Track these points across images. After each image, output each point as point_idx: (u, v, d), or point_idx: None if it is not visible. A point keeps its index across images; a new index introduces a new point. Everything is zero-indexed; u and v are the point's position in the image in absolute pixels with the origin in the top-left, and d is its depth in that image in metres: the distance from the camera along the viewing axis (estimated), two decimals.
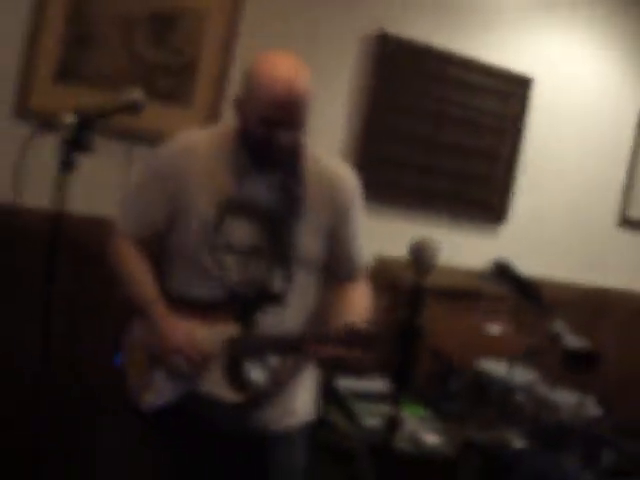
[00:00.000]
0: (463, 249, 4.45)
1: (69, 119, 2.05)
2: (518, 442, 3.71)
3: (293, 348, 2.49)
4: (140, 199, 2.58)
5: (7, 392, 3.48)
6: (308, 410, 2.73)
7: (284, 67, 2.37)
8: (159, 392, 2.51)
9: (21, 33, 3.39)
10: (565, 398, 4.04)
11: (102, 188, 3.43)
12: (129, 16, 3.54)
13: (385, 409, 3.71)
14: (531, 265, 4.10)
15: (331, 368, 2.57)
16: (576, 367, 3.67)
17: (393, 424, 2.44)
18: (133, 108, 2.20)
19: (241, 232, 2.49)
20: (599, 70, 4.86)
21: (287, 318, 2.53)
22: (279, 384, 2.56)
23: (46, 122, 2.09)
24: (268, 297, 2.51)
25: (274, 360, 2.53)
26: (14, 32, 3.38)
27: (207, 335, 2.47)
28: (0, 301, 3.46)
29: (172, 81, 3.68)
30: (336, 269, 2.68)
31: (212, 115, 3.75)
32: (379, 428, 3.61)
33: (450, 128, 4.36)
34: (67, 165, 2.07)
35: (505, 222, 4.65)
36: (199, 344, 2.45)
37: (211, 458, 2.61)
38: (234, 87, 3.64)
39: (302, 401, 2.70)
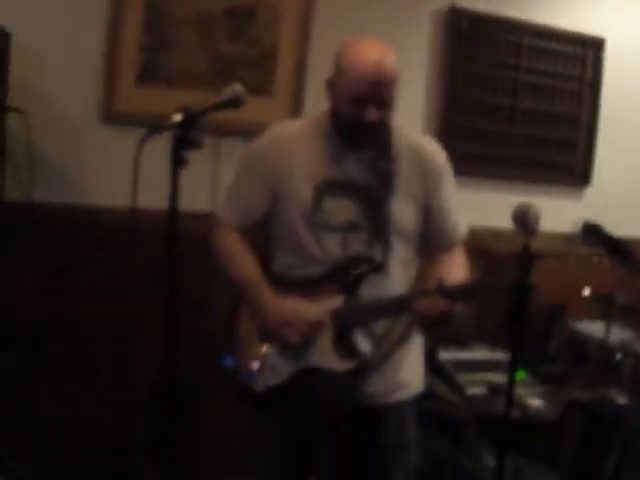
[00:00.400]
0: (549, 214, 4.44)
1: (177, 118, 2.13)
2: (620, 399, 3.73)
3: (397, 308, 2.56)
4: (241, 190, 2.70)
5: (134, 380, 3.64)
6: (416, 383, 2.79)
7: (373, 48, 2.48)
8: (273, 371, 2.59)
9: (102, 41, 3.52)
10: None
11: (193, 182, 3.54)
12: (204, 14, 3.63)
13: (487, 377, 3.81)
14: (617, 227, 4.10)
15: (435, 328, 2.60)
16: None
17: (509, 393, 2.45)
18: (235, 103, 2.27)
19: (339, 210, 2.58)
20: None
21: (389, 287, 2.60)
22: (386, 351, 2.64)
23: (155, 124, 2.16)
24: (370, 267, 2.57)
25: (380, 327, 2.61)
26: (95, 40, 3.52)
27: (312, 309, 2.55)
28: (124, 300, 3.58)
29: (252, 73, 3.76)
30: (432, 240, 2.73)
31: (294, 103, 3.83)
32: (483, 396, 3.70)
33: (528, 96, 4.39)
34: (179, 162, 2.14)
35: (589, 185, 4.66)
36: (305, 316, 2.54)
37: (322, 431, 2.72)
38: (313, 74, 3.76)
39: (410, 373, 2.75)
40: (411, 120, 3.98)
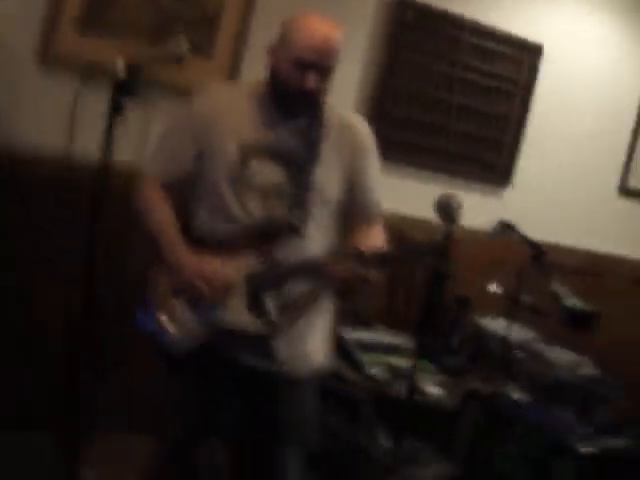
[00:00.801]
0: (469, 210, 4.54)
1: (119, 65, 2.11)
2: (515, 394, 3.85)
3: (313, 271, 2.62)
4: (168, 144, 2.75)
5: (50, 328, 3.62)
6: (320, 356, 2.84)
7: (322, 22, 2.62)
8: (183, 325, 2.62)
9: None
10: (562, 356, 4.18)
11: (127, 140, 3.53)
12: None
13: (389, 359, 3.88)
14: (533, 228, 4.19)
15: (349, 294, 2.65)
16: (575, 326, 3.80)
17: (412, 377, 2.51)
18: (178, 57, 2.27)
19: (263, 173, 2.65)
20: (605, 39, 4.94)
21: (306, 252, 2.66)
22: (293, 318, 2.68)
23: (94, 69, 2.15)
24: (286, 229, 2.63)
25: (291, 293, 2.65)
26: None
27: (228, 267, 2.59)
28: (48, 240, 3.57)
29: (194, 32, 3.72)
30: (354, 213, 2.82)
31: (232, 67, 3.81)
32: (383, 378, 3.76)
33: (463, 91, 4.46)
34: (117, 109, 2.13)
35: (510, 185, 4.76)
36: (220, 272, 2.58)
37: (227, 394, 2.77)
38: (254, 42, 3.76)
39: (314, 345, 2.80)
40: (344, 102, 3.97)
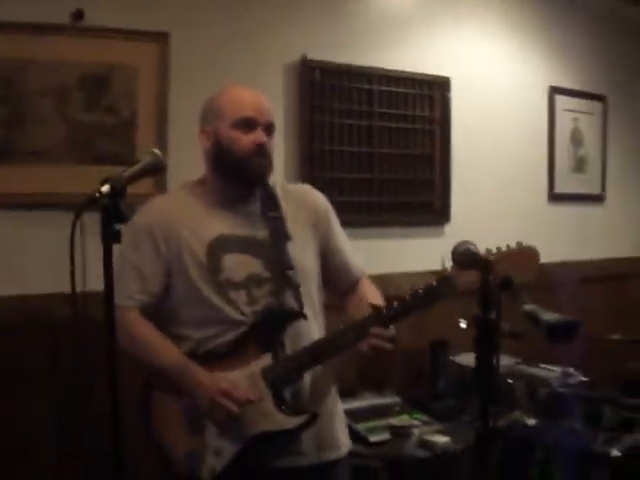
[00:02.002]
0: (414, 254, 4.56)
1: (105, 188, 1.99)
2: (529, 420, 3.82)
3: (336, 350, 2.49)
4: (134, 266, 2.57)
5: None
6: (346, 439, 2.76)
7: (247, 88, 2.64)
8: (219, 452, 2.48)
9: None
10: (549, 372, 4.19)
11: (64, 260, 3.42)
12: (59, 84, 3.48)
13: (385, 422, 3.80)
14: None
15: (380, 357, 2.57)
16: (560, 339, 3.81)
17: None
18: (158, 167, 2.17)
19: (237, 265, 2.55)
20: (508, 61, 5.12)
21: (309, 332, 2.59)
22: (319, 400, 2.60)
23: (87, 199, 2.01)
24: (288, 316, 2.55)
25: (307, 378, 2.56)
26: None
27: (243, 376, 2.48)
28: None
29: (112, 142, 3.62)
30: (340, 277, 2.78)
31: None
32: (387, 441, 3.68)
33: (384, 140, 4.46)
34: (112, 237, 2.00)
35: (448, 222, 4.77)
36: (240, 386, 2.45)
37: None
38: (174, 139, 3.68)
39: (340, 429, 2.72)
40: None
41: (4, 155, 3.40)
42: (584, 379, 4.23)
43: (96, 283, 3.35)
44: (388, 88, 4.45)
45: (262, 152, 2.54)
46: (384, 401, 4.07)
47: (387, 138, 4.47)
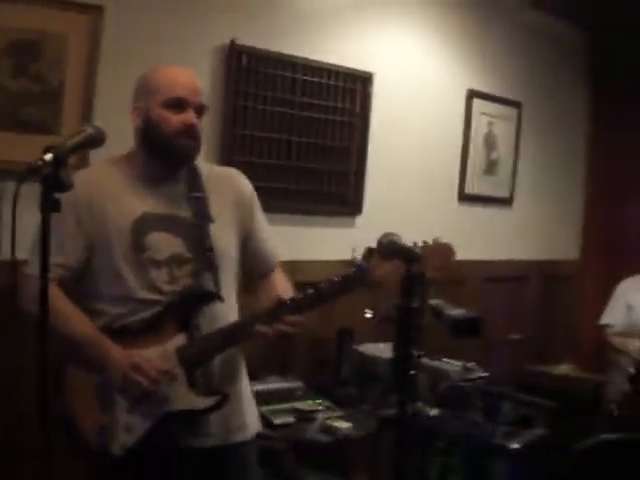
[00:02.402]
0: (324, 243, 4.64)
1: (47, 157, 1.99)
2: (432, 411, 3.93)
3: (247, 333, 2.53)
4: (55, 238, 2.34)
5: None
6: (255, 421, 2.79)
7: (180, 68, 2.64)
8: (130, 429, 2.47)
9: None
10: (451, 366, 4.31)
11: None
12: None
13: (290, 405, 3.87)
14: None
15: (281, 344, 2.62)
16: (464, 334, 3.93)
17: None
18: (99, 140, 2.17)
19: (161, 245, 2.55)
20: (429, 62, 5.23)
21: (224, 314, 2.61)
22: (229, 382, 2.63)
23: (28, 168, 2.00)
24: (204, 297, 2.57)
25: (218, 360, 2.58)
26: None
27: (158, 353, 2.48)
28: None
29: (38, 110, 3.56)
30: (255, 263, 2.81)
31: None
32: (292, 424, 3.76)
33: (303, 130, 4.51)
34: (52, 205, 2.00)
35: (360, 214, 4.87)
36: (153, 362, 2.45)
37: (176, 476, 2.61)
38: (100, 112, 3.67)
39: (249, 411, 2.75)
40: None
41: None
42: (484, 374, 4.37)
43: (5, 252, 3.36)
44: (312, 78, 4.50)
45: (191, 133, 2.54)
46: (288, 385, 4.12)
47: (307, 127, 4.52)
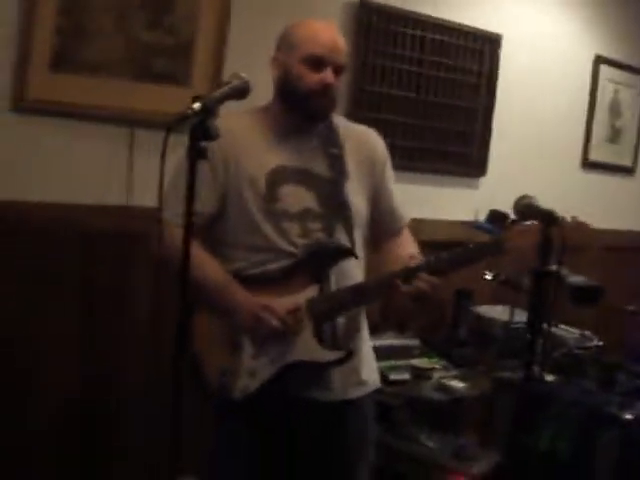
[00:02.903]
0: (448, 204, 4.64)
1: (196, 106, 2.03)
2: (548, 377, 3.91)
3: (381, 291, 2.55)
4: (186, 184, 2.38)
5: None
6: (374, 377, 2.80)
7: (324, 22, 2.62)
8: (254, 374, 2.51)
9: (13, 21, 3.25)
10: (567, 333, 4.28)
11: (109, 174, 3.51)
12: (122, 2, 3.48)
13: (406, 362, 3.90)
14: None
15: (422, 307, 2.62)
16: (582, 302, 3.90)
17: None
18: (245, 91, 2.21)
19: (294, 198, 2.56)
20: (557, 25, 5.16)
21: (354, 272, 2.62)
22: (353, 338, 2.64)
23: (178, 116, 2.04)
24: (339, 253, 2.57)
25: (344, 317, 2.58)
26: (7, 25, 3.25)
27: (287, 301, 2.49)
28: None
29: (169, 62, 3.62)
30: (384, 224, 2.79)
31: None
32: (407, 381, 3.79)
33: (430, 89, 4.51)
34: (199, 153, 2.04)
35: (484, 175, 4.85)
36: (284, 304, 2.48)
37: (294, 428, 2.65)
38: (230, 67, 3.71)
39: (369, 368, 2.76)
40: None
41: (61, 64, 3.39)
42: (599, 343, 4.33)
43: (141, 198, 3.48)
44: (441, 37, 4.49)
45: (327, 92, 2.52)
46: (405, 342, 4.14)
47: (434, 87, 4.52)
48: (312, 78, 2.50)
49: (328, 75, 2.51)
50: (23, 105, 3.35)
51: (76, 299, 3.46)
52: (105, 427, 3.59)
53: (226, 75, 3.62)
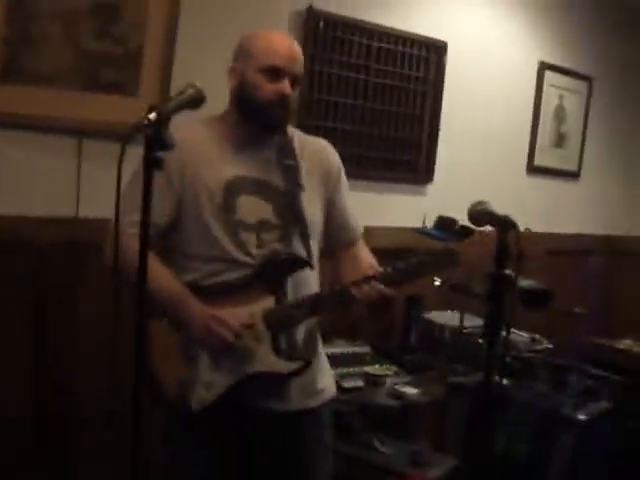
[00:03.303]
0: (395, 210, 4.67)
1: (152, 116, 2.01)
2: (503, 381, 3.93)
3: (337, 302, 2.51)
4: (138, 193, 2.20)
5: None
6: (331, 385, 2.81)
7: (281, 33, 2.64)
8: (210, 386, 2.50)
9: None
10: (518, 336, 4.33)
11: (57, 185, 3.47)
12: (70, 10, 3.42)
13: (359, 369, 3.91)
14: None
15: (377, 316, 2.63)
16: (534, 306, 3.94)
17: None
18: (199, 100, 2.19)
19: (251, 208, 2.55)
20: (502, 32, 5.24)
21: (310, 282, 2.63)
22: (310, 349, 2.64)
23: (133, 127, 2.02)
24: (295, 263, 2.57)
25: (301, 327, 2.59)
26: None
27: (244, 314, 2.49)
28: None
29: (117, 72, 3.58)
30: (339, 234, 2.79)
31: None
32: (361, 388, 3.79)
33: (377, 97, 4.54)
34: (155, 163, 2.02)
35: (431, 182, 4.88)
36: (237, 316, 2.47)
37: (252, 439, 2.65)
38: (179, 76, 3.68)
39: (326, 376, 2.78)
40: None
41: (9, 74, 3.33)
42: (549, 346, 4.38)
43: (89, 209, 3.44)
44: (387, 45, 4.51)
45: (284, 103, 2.53)
46: (355, 349, 4.15)
47: (381, 94, 4.54)
48: (269, 88, 2.51)
49: (285, 86, 2.52)
50: None
51: (27, 309, 3.42)
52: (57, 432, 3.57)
53: (174, 85, 3.69)
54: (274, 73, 2.51)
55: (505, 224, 2.27)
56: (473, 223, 2.39)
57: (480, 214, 2.34)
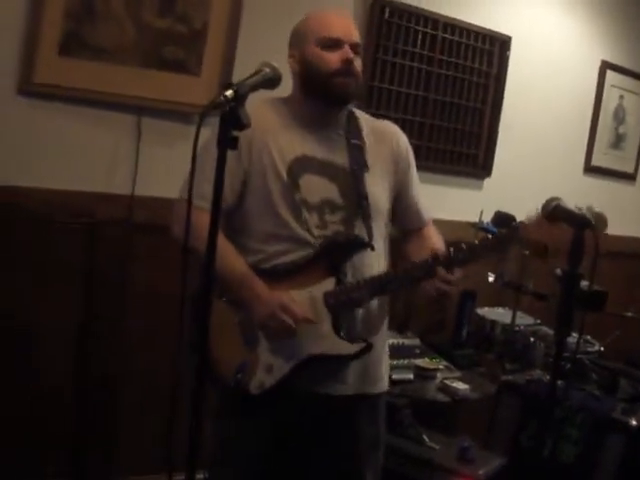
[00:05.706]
0: (453, 204, 4.62)
1: (228, 93, 1.98)
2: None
3: (403, 283, 2.53)
4: (212, 170, 2.21)
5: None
6: (387, 376, 2.79)
7: (333, 10, 2.61)
8: (270, 369, 2.50)
9: (23, 6, 3.20)
10: (570, 337, 4.26)
11: (114, 162, 3.49)
12: None
13: (409, 362, 3.88)
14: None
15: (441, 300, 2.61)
16: (590, 307, 3.88)
17: None
18: (276, 81, 2.16)
19: (316, 189, 2.54)
20: (566, 29, 5.15)
21: (373, 264, 2.59)
22: (372, 332, 2.61)
23: (210, 104, 1.98)
24: (356, 245, 2.55)
25: (363, 310, 2.57)
26: (16, 6, 3.20)
27: (305, 296, 2.49)
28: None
29: (180, 50, 3.58)
30: (408, 218, 2.78)
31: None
32: (410, 381, 3.77)
33: (439, 87, 4.50)
34: (228, 142, 1.99)
35: (489, 176, 4.84)
36: (300, 304, 2.46)
37: (307, 425, 2.64)
38: (242, 57, 3.68)
39: (384, 365, 2.76)
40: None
41: (69, 48, 3.34)
42: (600, 349, 4.32)
43: (145, 187, 3.45)
44: (452, 37, 4.47)
45: (349, 70, 2.49)
46: (406, 341, 4.11)
47: (443, 85, 4.51)
48: (332, 58, 2.49)
49: (347, 51, 2.49)
50: (30, 89, 3.31)
51: (77, 286, 3.44)
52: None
53: (237, 66, 3.66)
54: (333, 44, 2.49)
55: (583, 222, 2.23)
56: (547, 218, 2.35)
57: (556, 210, 2.30)
